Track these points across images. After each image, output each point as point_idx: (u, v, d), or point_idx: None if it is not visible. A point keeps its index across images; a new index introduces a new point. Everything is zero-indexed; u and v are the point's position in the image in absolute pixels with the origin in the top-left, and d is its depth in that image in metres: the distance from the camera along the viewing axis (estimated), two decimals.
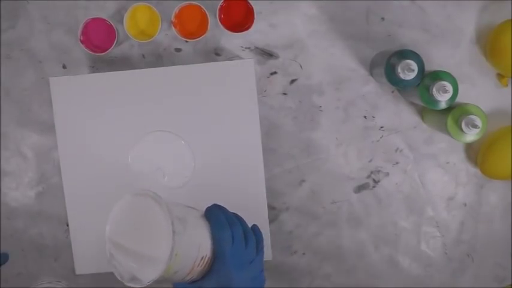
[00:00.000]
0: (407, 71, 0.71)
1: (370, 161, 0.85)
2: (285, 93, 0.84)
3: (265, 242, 0.82)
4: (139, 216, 0.51)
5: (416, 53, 0.73)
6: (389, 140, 0.85)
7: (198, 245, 0.53)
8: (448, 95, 0.71)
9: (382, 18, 0.83)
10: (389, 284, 0.86)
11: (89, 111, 0.83)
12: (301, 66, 0.84)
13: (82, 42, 0.80)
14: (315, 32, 0.84)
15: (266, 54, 0.84)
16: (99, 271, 0.84)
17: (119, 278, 0.50)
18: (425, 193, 0.85)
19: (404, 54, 0.72)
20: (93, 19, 0.79)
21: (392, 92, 0.84)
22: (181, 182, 0.83)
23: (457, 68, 0.82)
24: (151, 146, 0.83)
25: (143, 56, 0.84)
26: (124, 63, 0.84)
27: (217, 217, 0.56)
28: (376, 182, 0.85)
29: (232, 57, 0.84)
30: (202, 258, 0.53)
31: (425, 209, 0.85)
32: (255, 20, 0.78)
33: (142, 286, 0.49)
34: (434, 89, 0.71)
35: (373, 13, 0.83)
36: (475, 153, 0.84)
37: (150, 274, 0.49)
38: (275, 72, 0.84)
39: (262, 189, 0.82)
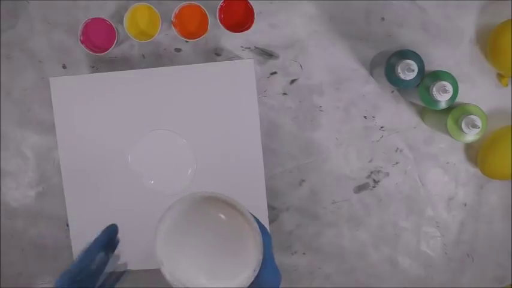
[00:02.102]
0: (407, 71, 0.71)
1: (370, 161, 0.85)
2: (285, 93, 0.84)
3: None
4: (210, 222, 0.47)
5: (416, 53, 0.73)
6: (389, 140, 0.85)
7: None
8: (448, 95, 0.71)
9: (382, 18, 0.83)
10: (389, 284, 0.86)
11: (89, 111, 0.83)
12: (301, 66, 0.84)
13: (82, 42, 0.80)
14: (315, 32, 0.84)
15: (266, 54, 0.84)
16: None
17: (172, 285, 0.47)
18: (425, 193, 0.85)
19: (404, 54, 0.72)
20: (93, 19, 0.79)
21: (392, 92, 0.84)
22: (181, 182, 0.83)
23: (457, 68, 0.82)
24: (151, 145, 0.83)
25: (143, 56, 0.84)
26: (124, 63, 0.84)
27: (257, 221, 0.53)
28: (376, 182, 0.85)
29: (232, 57, 0.84)
30: None
31: (425, 209, 0.85)
32: (255, 20, 0.78)
33: None
34: (434, 89, 0.71)
35: (373, 13, 0.83)
36: (475, 153, 0.84)
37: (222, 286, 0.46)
38: (275, 72, 0.84)
39: (262, 189, 0.82)
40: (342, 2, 0.83)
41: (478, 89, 0.84)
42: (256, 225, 0.47)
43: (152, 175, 0.83)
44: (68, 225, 0.85)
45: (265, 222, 0.82)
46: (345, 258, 0.86)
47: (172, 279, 0.47)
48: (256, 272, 0.46)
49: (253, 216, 0.53)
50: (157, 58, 0.84)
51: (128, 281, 0.86)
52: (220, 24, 0.79)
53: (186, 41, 0.83)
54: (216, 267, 0.47)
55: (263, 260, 0.51)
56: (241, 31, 0.79)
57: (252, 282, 0.50)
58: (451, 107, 0.74)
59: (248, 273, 0.46)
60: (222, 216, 0.48)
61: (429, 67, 0.80)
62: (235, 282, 0.46)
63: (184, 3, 0.79)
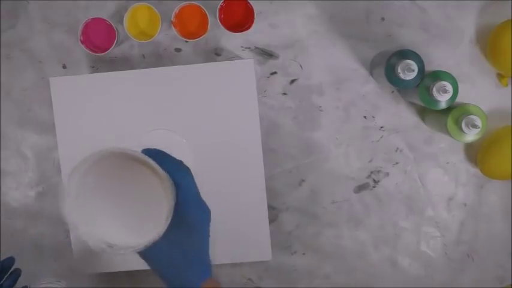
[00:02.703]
0: (407, 71, 0.71)
1: (370, 161, 0.85)
2: (285, 93, 0.84)
3: (265, 242, 0.83)
4: (118, 178, 0.47)
5: (416, 53, 0.73)
6: (389, 140, 0.85)
7: (174, 190, 0.52)
8: (448, 95, 0.71)
9: (382, 18, 0.83)
10: (389, 284, 0.86)
11: (89, 111, 0.83)
12: (301, 66, 0.84)
13: (82, 42, 0.80)
14: (315, 32, 0.84)
15: (266, 54, 0.84)
16: (99, 271, 0.84)
17: (93, 248, 0.47)
18: (425, 193, 0.85)
19: (404, 54, 0.72)
20: (93, 19, 0.79)
21: (392, 92, 0.84)
22: None
23: (457, 68, 0.82)
24: (151, 145, 0.83)
25: (143, 56, 0.84)
26: (124, 63, 0.84)
27: (174, 163, 0.54)
28: (376, 182, 0.85)
29: (232, 57, 0.84)
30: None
31: (425, 209, 0.85)
32: (255, 20, 0.79)
33: (134, 250, 0.47)
34: (434, 89, 0.71)
35: (373, 13, 0.83)
36: (475, 153, 0.84)
37: (143, 238, 0.46)
38: (275, 72, 0.84)
39: (262, 189, 0.82)
40: (342, 2, 0.83)
41: (478, 89, 0.84)
42: (162, 172, 0.47)
43: None
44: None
45: (265, 222, 0.82)
46: (344, 258, 0.86)
47: (91, 241, 0.47)
48: (169, 219, 0.47)
49: (170, 157, 0.54)
50: (157, 58, 0.84)
51: (128, 281, 0.86)
52: (220, 24, 0.79)
53: (186, 41, 0.83)
54: (132, 221, 0.47)
55: (187, 199, 0.52)
56: (241, 31, 0.79)
57: (179, 223, 0.51)
58: (451, 107, 0.74)
59: (162, 221, 0.47)
60: (129, 170, 0.48)
61: (429, 67, 0.80)
62: (155, 232, 0.47)
63: (184, 3, 0.79)
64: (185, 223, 0.52)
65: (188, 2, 0.79)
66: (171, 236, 0.50)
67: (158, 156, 0.53)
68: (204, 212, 0.54)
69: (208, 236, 0.54)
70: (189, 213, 0.52)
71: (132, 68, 0.84)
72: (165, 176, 0.47)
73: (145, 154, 0.50)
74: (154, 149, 0.55)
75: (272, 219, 0.85)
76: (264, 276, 0.86)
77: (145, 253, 0.51)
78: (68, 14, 0.84)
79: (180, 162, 0.55)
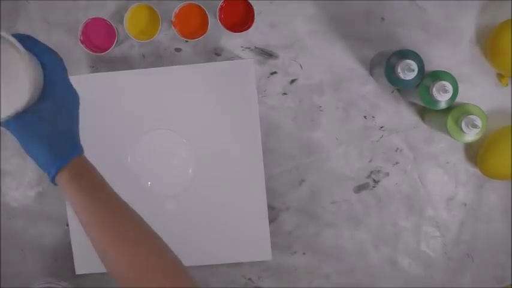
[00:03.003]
0: (407, 71, 0.71)
1: (370, 161, 0.85)
2: (285, 93, 0.84)
3: (265, 242, 0.83)
4: None
5: (416, 53, 0.73)
6: (389, 140, 0.85)
7: (40, 70, 0.55)
8: (448, 95, 0.71)
9: (382, 18, 0.83)
10: (389, 284, 0.86)
11: (88, 111, 0.82)
12: (301, 66, 0.84)
13: (82, 42, 0.80)
14: (315, 32, 0.84)
15: (266, 54, 0.84)
16: (99, 271, 0.84)
17: None
18: (425, 193, 0.85)
19: (404, 54, 0.72)
20: (93, 19, 0.79)
21: (392, 92, 0.84)
22: (181, 182, 0.83)
23: (457, 68, 0.82)
24: (151, 145, 0.83)
25: (143, 56, 0.84)
26: (124, 63, 0.84)
27: (42, 47, 0.57)
28: (376, 182, 0.85)
29: (232, 57, 0.84)
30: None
31: (425, 209, 0.85)
32: (255, 20, 0.79)
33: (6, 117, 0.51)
34: (434, 89, 0.71)
35: (373, 13, 0.83)
36: (475, 153, 0.84)
37: (6, 111, 0.50)
38: (275, 72, 0.84)
39: (262, 189, 0.82)
40: (342, 2, 0.83)
41: (478, 89, 0.84)
42: (21, 48, 0.51)
43: (152, 175, 0.83)
44: (68, 225, 0.85)
45: (265, 222, 0.82)
46: (344, 258, 0.86)
47: None
48: (31, 92, 0.50)
49: (40, 42, 0.57)
50: (157, 58, 0.84)
51: None
52: (220, 24, 0.79)
53: (186, 41, 0.83)
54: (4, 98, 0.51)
55: (54, 79, 0.55)
56: (241, 31, 0.79)
57: (49, 100, 0.55)
58: (451, 107, 0.74)
59: (24, 94, 0.50)
60: None
61: (429, 67, 0.80)
62: (18, 103, 0.51)
63: (184, 3, 0.79)
64: (54, 101, 0.55)
65: (188, 2, 0.79)
66: (42, 112, 0.54)
67: (27, 39, 0.56)
68: (72, 94, 0.58)
69: (78, 118, 0.59)
70: (58, 92, 0.56)
71: (132, 68, 0.84)
72: (25, 52, 0.51)
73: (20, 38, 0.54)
74: (24, 34, 0.57)
75: (272, 219, 0.85)
76: (264, 276, 0.86)
77: (16, 126, 0.54)
78: (68, 14, 0.84)
79: (51, 49, 0.58)
